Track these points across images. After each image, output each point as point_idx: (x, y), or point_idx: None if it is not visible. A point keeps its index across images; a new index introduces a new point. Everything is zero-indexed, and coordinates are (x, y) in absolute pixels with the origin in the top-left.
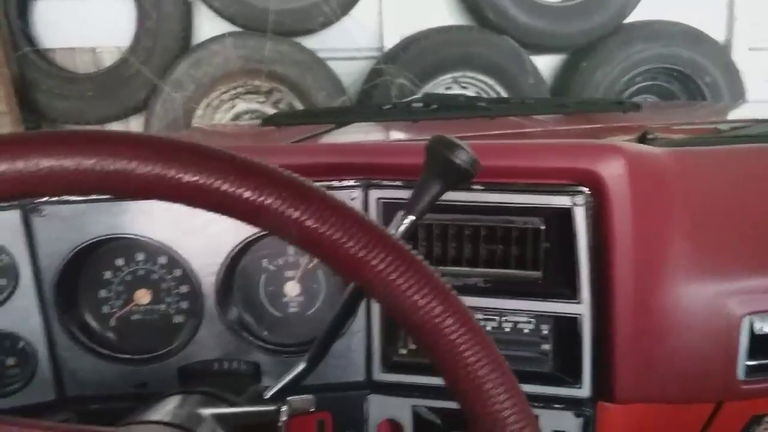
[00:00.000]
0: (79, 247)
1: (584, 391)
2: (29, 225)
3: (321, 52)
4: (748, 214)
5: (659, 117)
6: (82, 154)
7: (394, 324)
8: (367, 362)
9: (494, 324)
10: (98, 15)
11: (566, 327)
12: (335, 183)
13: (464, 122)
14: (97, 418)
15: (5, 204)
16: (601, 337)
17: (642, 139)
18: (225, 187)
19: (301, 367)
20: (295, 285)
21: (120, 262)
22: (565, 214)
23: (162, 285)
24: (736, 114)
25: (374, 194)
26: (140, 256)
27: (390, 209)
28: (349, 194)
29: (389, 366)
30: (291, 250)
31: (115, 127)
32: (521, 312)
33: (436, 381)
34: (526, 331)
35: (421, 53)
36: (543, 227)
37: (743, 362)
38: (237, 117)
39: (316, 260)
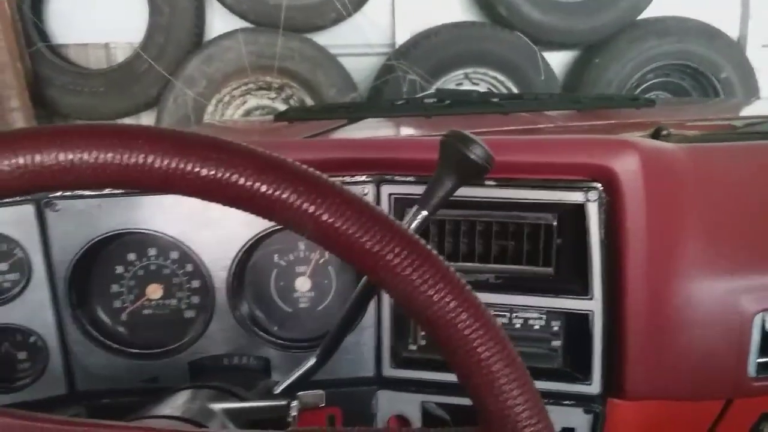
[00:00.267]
0: (92, 242)
1: (594, 387)
2: (43, 219)
3: (332, 48)
4: (761, 211)
5: (673, 113)
6: (100, 148)
7: (404, 320)
8: (376, 358)
9: (505, 320)
10: (111, 11)
11: (577, 323)
12: (347, 178)
13: (477, 118)
14: (108, 412)
15: (19, 198)
16: (612, 333)
17: (656, 135)
18: (242, 181)
19: (311, 362)
20: (306, 280)
21: (132, 256)
22: (578, 210)
23: (173, 280)
24: (750, 110)
25: (386, 190)
26: (152, 251)
27: (402, 205)
28: (362, 190)
29: (399, 362)
30: (302, 245)
31: (127, 122)
32: (532, 308)
33: (446, 377)
34: (536, 327)
35: (433, 49)
36: (555, 223)
37: (754, 359)
38: (248, 113)
39: (327, 255)
